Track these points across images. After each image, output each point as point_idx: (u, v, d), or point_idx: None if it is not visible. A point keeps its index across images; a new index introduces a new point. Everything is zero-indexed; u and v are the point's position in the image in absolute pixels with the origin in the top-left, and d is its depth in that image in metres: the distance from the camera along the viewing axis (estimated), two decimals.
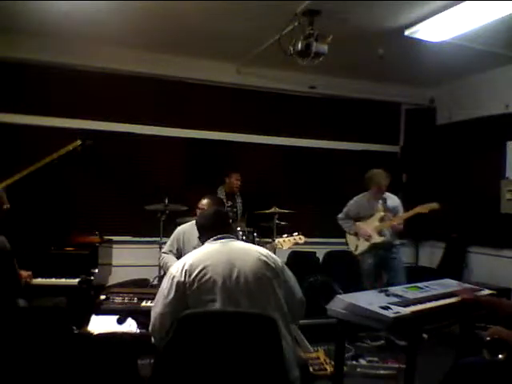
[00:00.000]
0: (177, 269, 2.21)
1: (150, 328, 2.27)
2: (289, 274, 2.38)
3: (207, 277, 2.15)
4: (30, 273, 3.62)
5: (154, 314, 2.24)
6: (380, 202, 4.74)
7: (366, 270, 4.88)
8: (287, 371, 2.08)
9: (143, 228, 5.67)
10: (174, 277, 2.19)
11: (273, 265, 2.28)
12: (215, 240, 2.38)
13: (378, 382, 3.78)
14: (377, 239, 4.74)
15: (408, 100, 6.97)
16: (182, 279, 2.16)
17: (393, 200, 4.85)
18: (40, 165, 4.28)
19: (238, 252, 2.29)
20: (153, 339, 2.30)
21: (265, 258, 2.28)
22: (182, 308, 2.10)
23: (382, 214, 4.71)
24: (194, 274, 2.15)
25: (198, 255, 2.27)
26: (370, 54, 5.05)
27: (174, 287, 2.17)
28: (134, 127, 5.83)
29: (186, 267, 2.19)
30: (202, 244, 2.47)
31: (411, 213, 4.69)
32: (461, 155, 6.38)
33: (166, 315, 2.17)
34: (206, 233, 2.48)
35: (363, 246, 4.83)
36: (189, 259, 2.24)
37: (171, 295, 2.17)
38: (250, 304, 2.12)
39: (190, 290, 2.14)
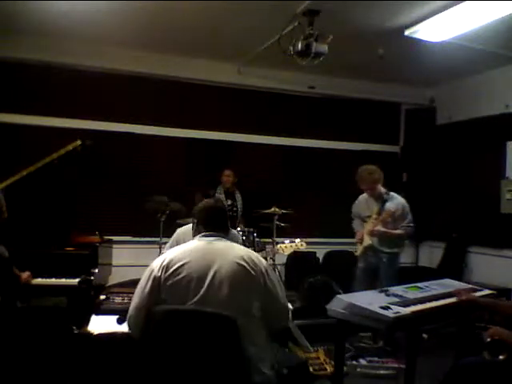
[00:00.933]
0: (157, 263, 2.23)
1: (127, 318, 2.29)
2: (273, 279, 2.29)
3: (182, 276, 2.15)
4: (28, 273, 3.63)
5: (131, 305, 2.27)
6: (377, 202, 4.44)
7: (357, 274, 4.64)
8: (249, 373, 2.07)
9: (143, 228, 5.68)
10: (152, 270, 2.21)
11: (252, 271, 2.20)
12: (203, 237, 2.35)
13: (378, 382, 3.78)
14: (366, 242, 4.47)
15: (408, 100, 6.98)
16: (159, 274, 2.17)
17: (394, 202, 4.40)
18: (40, 165, 4.28)
19: (218, 253, 2.24)
20: (129, 330, 2.31)
21: (244, 263, 2.20)
22: (155, 302, 2.15)
23: (374, 216, 4.41)
24: (171, 271, 2.16)
25: (179, 251, 2.27)
26: (370, 54, 5.05)
27: (150, 281, 2.19)
28: (134, 127, 5.83)
29: (164, 262, 2.20)
30: (193, 237, 2.44)
31: (377, 222, 4.36)
32: (461, 155, 6.38)
33: (141, 308, 2.20)
34: (198, 226, 2.44)
35: (359, 248, 4.60)
36: (170, 255, 2.25)
37: (147, 289, 2.19)
38: (221, 307, 2.09)
39: (164, 286, 2.16)
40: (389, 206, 4.37)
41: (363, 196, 4.64)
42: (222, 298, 2.12)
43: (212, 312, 2.07)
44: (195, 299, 2.11)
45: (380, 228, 4.34)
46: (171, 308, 2.12)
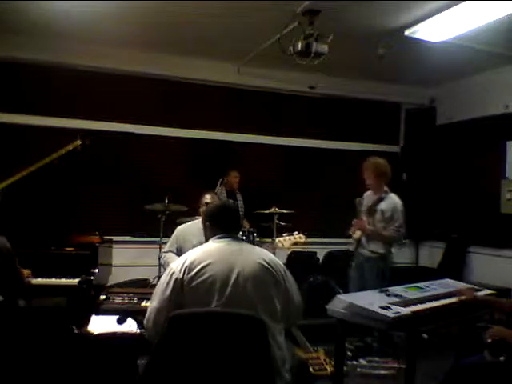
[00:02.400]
0: (177, 265, 2.20)
1: (144, 321, 2.26)
2: (290, 279, 2.33)
3: (205, 277, 2.13)
4: (29, 271, 3.62)
5: (150, 308, 2.24)
6: (374, 199, 4.36)
7: (349, 273, 4.55)
8: (275, 374, 2.06)
9: (143, 228, 5.68)
10: (173, 273, 2.18)
11: (273, 271, 2.23)
12: (220, 238, 2.33)
13: (378, 382, 3.78)
14: (356, 235, 4.39)
15: (408, 100, 6.98)
16: (181, 276, 2.15)
17: (387, 203, 4.29)
18: (40, 165, 4.28)
19: (239, 254, 2.25)
20: (146, 334, 2.29)
21: (266, 264, 2.23)
22: (177, 305, 2.11)
23: (364, 209, 4.38)
24: (193, 273, 2.14)
25: (200, 253, 2.25)
26: (370, 54, 5.05)
27: (171, 283, 2.16)
28: (134, 127, 5.83)
29: (186, 264, 2.17)
30: (206, 240, 2.43)
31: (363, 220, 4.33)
32: (461, 155, 6.39)
33: (162, 311, 2.16)
34: (212, 228, 2.42)
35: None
36: (190, 256, 2.23)
37: (168, 291, 2.16)
38: (247, 308, 2.09)
39: (187, 288, 2.13)
40: (381, 205, 4.30)
41: (367, 192, 4.53)
42: (248, 299, 2.12)
43: (242, 313, 2.03)
44: (221, 301, 2.09)
45: (366, 225, 4.30)
46: (198, 311, 2.08)
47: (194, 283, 2.13)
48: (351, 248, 4.61)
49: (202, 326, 2.01)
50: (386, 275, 4.31)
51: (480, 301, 2.79)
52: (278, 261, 2.34)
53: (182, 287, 2.14)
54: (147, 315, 2.24)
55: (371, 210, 4.33)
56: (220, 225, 2.39)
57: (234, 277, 2.14)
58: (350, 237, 4.51)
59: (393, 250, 4.49)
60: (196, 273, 2.14)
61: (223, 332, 2.00)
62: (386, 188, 4.39)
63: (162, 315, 2.14)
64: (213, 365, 1.98)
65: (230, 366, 1.98)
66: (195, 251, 2.29)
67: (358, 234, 4.40)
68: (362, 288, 4.07)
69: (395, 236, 4.28)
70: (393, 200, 4.32)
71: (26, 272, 3.51)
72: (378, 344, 4.31)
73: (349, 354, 4.07)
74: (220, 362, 1.98)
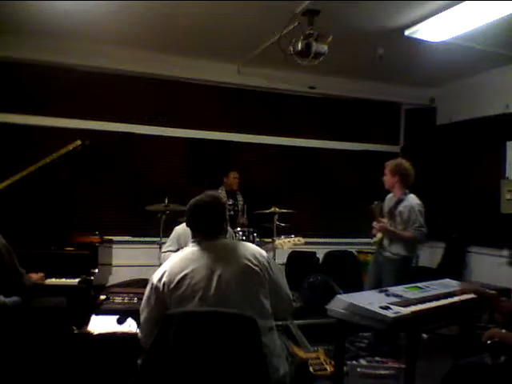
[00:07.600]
0: (157, 277, 2.20)
1: (138, 333, 2.31)
2: (275, 269, 2.31)
3: (186, 286, 2.12)
4: (42, 274, 3.63)
5: (141, 320, 2.27)
6: (394, 200, 4.31)
7: (368, 269, 4.56)
8: (270, 371, 2.07)
9: (143, 228, 5.68)
10: (154, 286, 2.19)
11: (256, 267, 2.20)
12: (195, 242, 2.29)
13: (378, 382, 3.78)
14: (376, 237, 4.36)
15: (408, 100, 6.98)
16: (161, 289, 2.15)
17: (404, 204, 4.24)
18: (40, 165, 4.28)
19: (219, 256, 2.21)
20: (141, 343, 2.31)
21: (247, 261, 2.19)
22: (163, 312, 2.11)
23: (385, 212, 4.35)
24: (173, 285, 2.13)
25: (177, 262, 2.22)
26: (370, 54, 5.05)
27: (153, 295, 2.18)
28: (134, 127, 5.83)
29: (164, 278, 2.15)
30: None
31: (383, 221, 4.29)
32: (461, 155, 6.39)
33: (150, 321, 2.20)
34: (192, 228, 2.35)
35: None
36: (168, 267, 2.21)
37: (152, 302, 2.19)
38: (234, 309, 2.08)
39: (169, 299, 2.14)
40: (400, 207, 4.26)
41: (389, 195, 4.50)
42: (232, 301, 2.10)
43: (232, 313, 2.04)
44: (206, 307, 2.09)
45: (387, 226, 4.25)
46: (189, 310, 2.09)
47: (176, 295, 2.12)
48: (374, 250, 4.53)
49: (193, 325, 2.02)
50: (407, 278, 4.09)
51: (481, 293, 2.76)
52: (261, 252, 2.30)
53: (164, 299, 2.15)
54: (140, 326, 2.29)
55: (391, 213, 4.29)
56: (194, 227, 2.34)
57: (215, 281, 2.12)
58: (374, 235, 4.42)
59: (418, 252, 4.38)
60: (176, 284, 2.13)
61: (215, 331, 2.01)
62: (405, 190, 4.33)
63: (151, 325, 2.17)
64: (205, 363, 1.99)
65: (223, 365, 1.99)
66: (173, 260, 2.25)
67: (378, 236, 4.34)
68: (378, 287, 3.93)
69: (417, 236, 4.22)
70: (410, 201, 4.25)
71: (36, 276, 3.51)
72: (368, 345, 4.27)
73: (349, 354, 4.07)
74: (212, 360, 1.99)
